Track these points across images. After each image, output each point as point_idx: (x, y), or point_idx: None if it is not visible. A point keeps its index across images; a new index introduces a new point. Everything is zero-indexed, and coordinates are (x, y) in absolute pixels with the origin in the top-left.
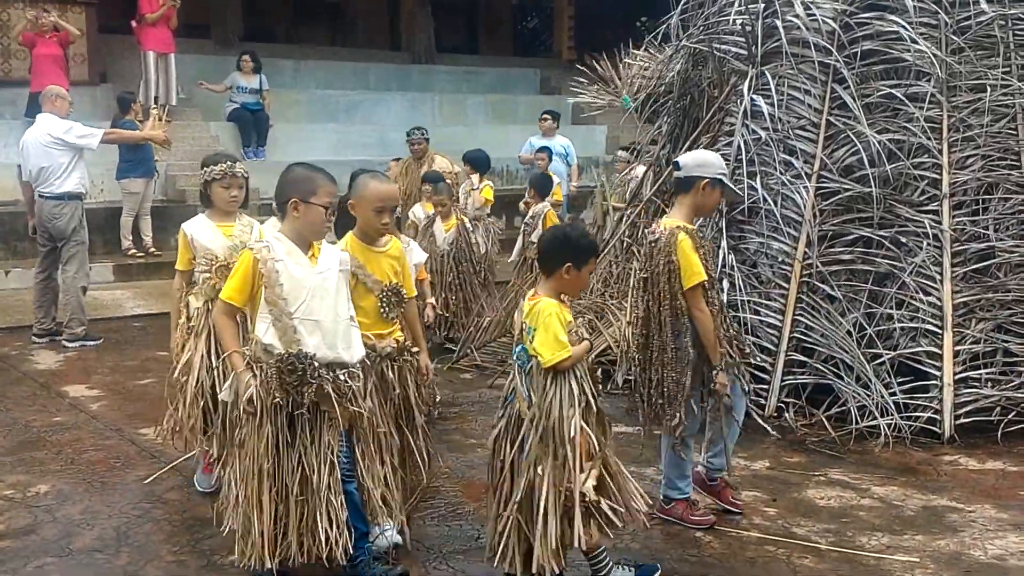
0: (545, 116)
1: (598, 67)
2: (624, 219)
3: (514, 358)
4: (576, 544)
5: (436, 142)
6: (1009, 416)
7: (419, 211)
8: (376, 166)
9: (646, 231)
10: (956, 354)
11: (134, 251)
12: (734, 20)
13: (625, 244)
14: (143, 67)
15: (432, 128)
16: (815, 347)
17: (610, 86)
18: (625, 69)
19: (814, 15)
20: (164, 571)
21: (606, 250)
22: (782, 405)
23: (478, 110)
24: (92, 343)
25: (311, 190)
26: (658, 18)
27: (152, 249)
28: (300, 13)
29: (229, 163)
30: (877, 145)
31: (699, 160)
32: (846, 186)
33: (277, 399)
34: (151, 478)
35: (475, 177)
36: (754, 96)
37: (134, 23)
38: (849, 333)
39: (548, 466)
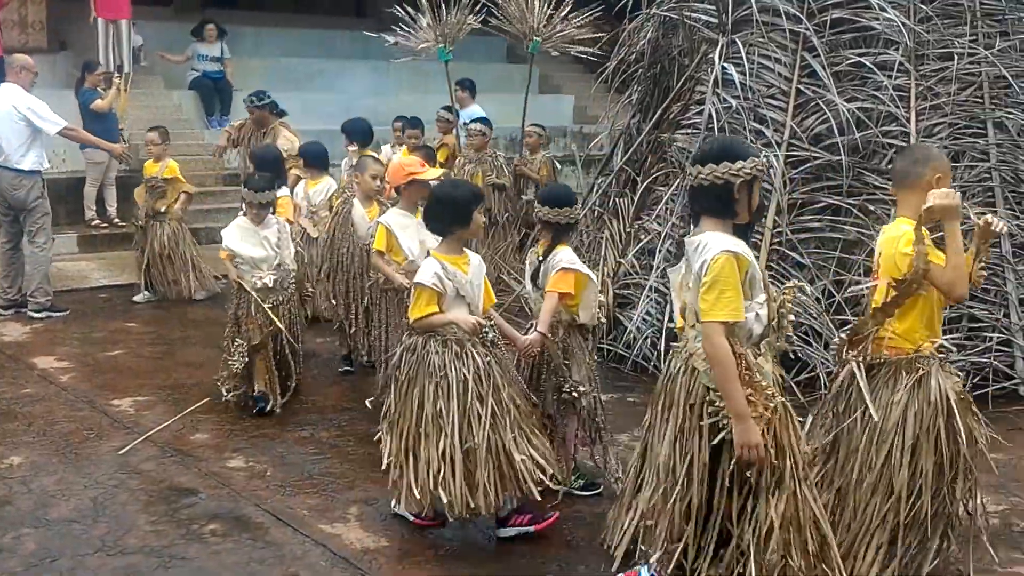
0: (457, 87)
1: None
2: (596, 188)
3: None
4: None
5: (398, 110)
6: (974, 381)
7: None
8: (339, 136)
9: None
10: None
11: (98, 221)
12: None
13: (596, 213)
14: (95, 34)
15: (395, 97)
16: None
17: (426, 35)
18: (443, 19)
19: None
20: (142, 541)
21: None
22: None
23: (442, 79)
24: (58, 314)
25: None
26: None
27: (116, 219)
28: None
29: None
30: (846, 113)
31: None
32: (815, 154)
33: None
34: (126, 449)
35: (352, 149)
36: (725, 64)
37: None
38: (818, 300)
39: None
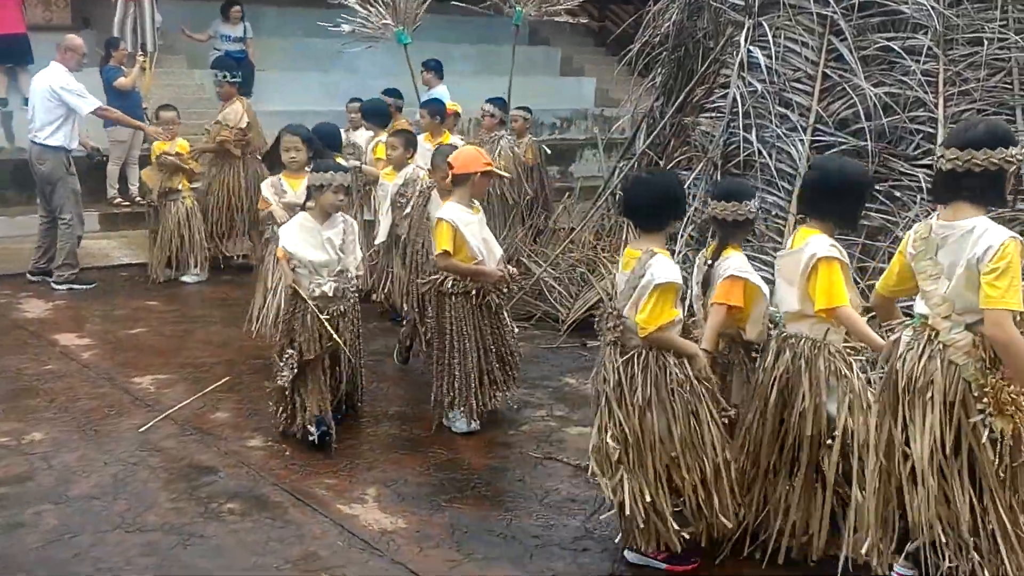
0: (422, 68)
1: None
2: (617, 171)
3: None
4: None
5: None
6: None
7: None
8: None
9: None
10: None
11: (120, 200)
12: None
13: (618, 197)
14: (116, 11)
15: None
16: None
17: (376, 19)
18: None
19: None
20: (162, 518)
21: (599, 203)
22: None
23: (464, 60)
24: (81, 287)
25: None
26: None
27: (138, 198)
28: None
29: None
30: (873, 98)
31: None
32: (841, 139)
33: None
34: (146, 427)
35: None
36: (751, 47)
37: None
38: None
39: None
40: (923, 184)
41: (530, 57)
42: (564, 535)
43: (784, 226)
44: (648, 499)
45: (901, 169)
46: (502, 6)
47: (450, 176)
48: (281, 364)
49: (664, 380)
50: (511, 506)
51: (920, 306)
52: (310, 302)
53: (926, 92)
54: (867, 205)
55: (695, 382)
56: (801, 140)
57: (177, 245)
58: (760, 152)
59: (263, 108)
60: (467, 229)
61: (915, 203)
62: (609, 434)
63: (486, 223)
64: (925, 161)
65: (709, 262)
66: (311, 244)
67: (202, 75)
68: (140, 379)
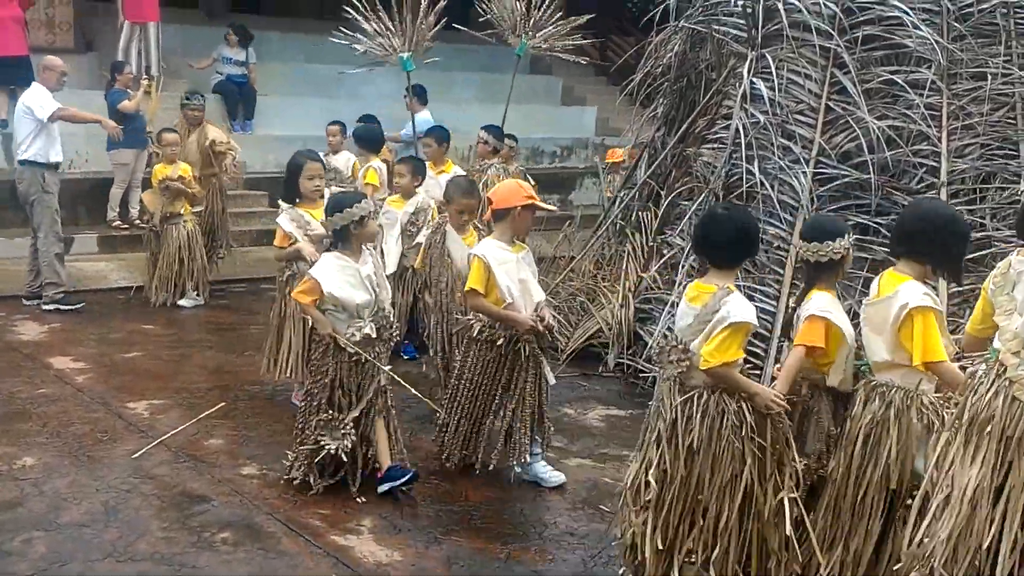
0: (405, 93)
1: (370, 23)
2: (619, 201)
3: None
4: None
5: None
6: None
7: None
8: None
9: None
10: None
11: (119, 223)
12: (735, 1)
13: (618, 226)
14: (120, 35)
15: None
16: None
17: (384, 41)
18: (405, 25)
19: None
20: (153, 547)
21: (600, 231)
22: None
23: (466, 87)
24: (67, 307)
25: None
26: None
27: (137, 221)
28: None
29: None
30: (877, 131)
31: None
32: (844, 172)
33: None
34: (139, 453)
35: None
36: (754, 79)
37: None
38: None
39: None
40: None
41: (532, 86)
42: (563, 570)
43: (785, 258)
44: (662, 545)
45: (904, 203)
46: (508, 36)
47: (489, 211)
48: (323, 430)
49: (721, 424)
50: (509, 539)
51: (996, 341)
52: (353, 347)
53: (929, 126)
54: (871, 239)
55: (753, 429)
56: (804, 172)
57: (176, 269)
58: (762, 183)
59: (265, 133)
60: (500, 268)
61: None
62: (651, 472)
63: (532, 261)
64: (929, 195)
65: (794, 306)
66: (352, 285)
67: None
68: (134, 404)
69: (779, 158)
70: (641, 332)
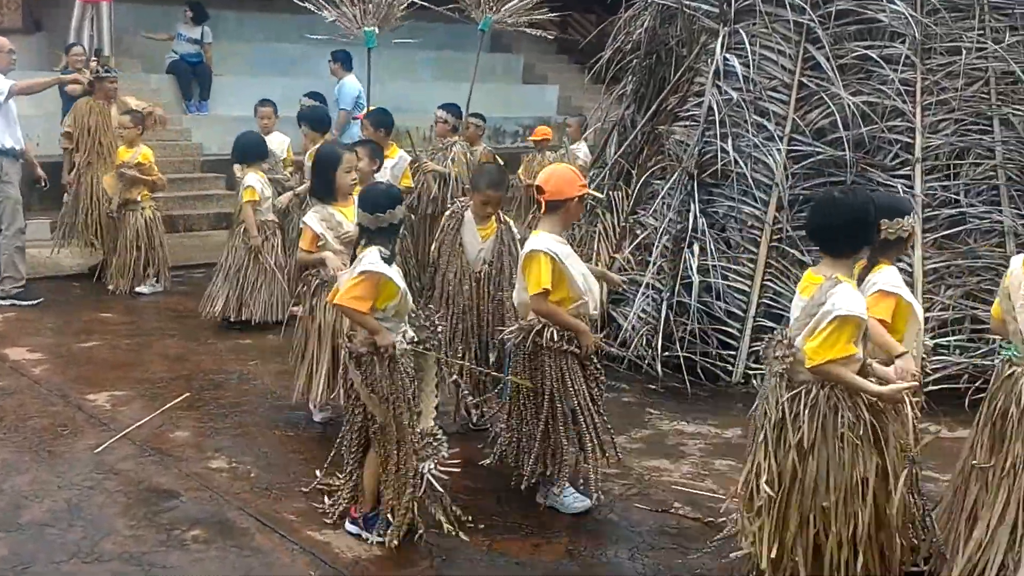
0: (330, 58)
1: None
2: (588, 180)
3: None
4: None
5: (384, 99)
6: (977, 383)
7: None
8: None
9: None
10: (925, 321)
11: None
12: None
13: (589, 206)
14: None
15: (381, 84)
16: (784, 313)
17: (349, 11)
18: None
19: None
20: (120, 547)
21: None
22: (749, 372)
23: (426, 66)
24: (25, 303)
25: None
26: None
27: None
28: None
29: None
30: (851, 107)
31: None
32: (818, 149)
33: None
34: (102, 447)
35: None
36: (727, 55)
37: None
38: None
39: None
40: (901, 193)
41: (492, 65)
42: (546, 559)
43: (760, 237)
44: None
45: (879, 180)
46: (471, 11)
47: (542, 203)
48: (397, 465)
49: (834, 422)
50: (491, 530)
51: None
52: (434, 353)
53: (904, 101)
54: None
55: (872, 425)
56: (779, 150)
57: (135, 256)
58: (736, 162)
59: (221, 113)
60: (568, 261)
61: None
62: (764, 478)
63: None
64: (903, 171)
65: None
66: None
67: (158, 79)
68: (95, 396)
69: (753, 135)
70: (615, 314)
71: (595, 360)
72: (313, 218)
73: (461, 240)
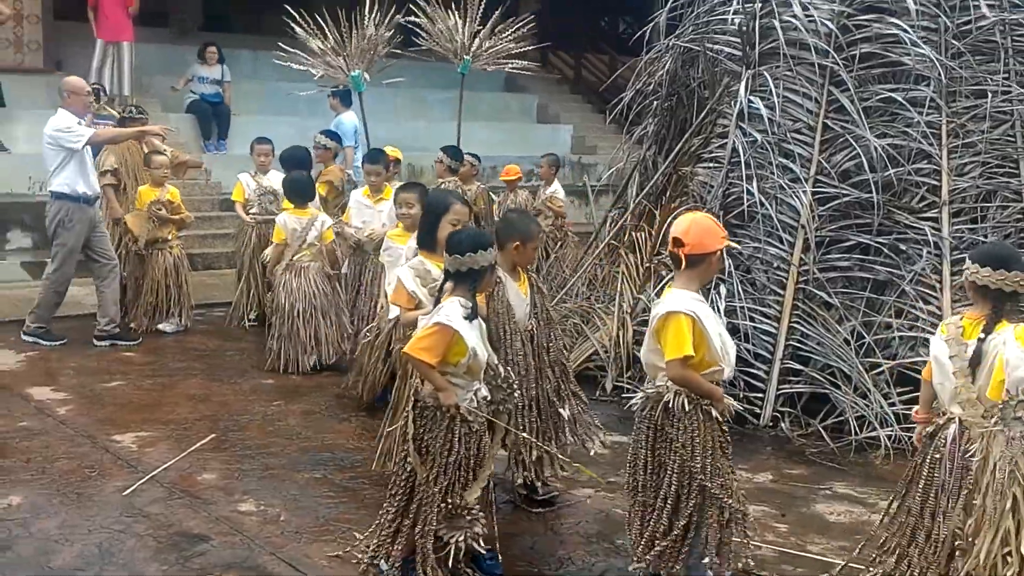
0: (329, 94)
1: (317, 41)
2: (609, 221)
3: None
4: None
5: (396, 138)
6: None
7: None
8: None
9: None
10: None
11: None
12: (731, 20)
13: (611, 247)
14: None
15: (393, 124)
16: (811, 355)
17: (327, 59)
18: (354, 40)
19: (812, 16)
20: None
21: (593, 252)
22: (777, 415)
23: (438, 106)
24: (46, 343)
25: None
26: (623, 15)
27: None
28: (261, 1)
29: None
30: (877, 149)
31: None
32: (844, 191)
33: None
34: (130, 489)
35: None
36: (751, 97)
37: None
38: (847, 341)
39: None
40: (928, 237)
41: (506, 104)
42: None
43: (786, 279)
44: None
45: (906, 222)
46: (450, 57)
47: (682, 257)
48: (454, 523)
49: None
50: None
51: None
52: (506, 425)
53: (930, 144)
54: (872, 259)
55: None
56: (804, 191)
57: (162, 295)
58: (761, 203)
59: (242, 152)
60: (707, 323)
61: (920, 256)
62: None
63: None
64: (930, 214)
65: (981, 336)
66: (480, 339)
67: (177, 119)
68: (120, 437)
69: (777, 177)
70: (639, 355)
71: (724, 428)
72: (407, 273)
73: (508, 303)
